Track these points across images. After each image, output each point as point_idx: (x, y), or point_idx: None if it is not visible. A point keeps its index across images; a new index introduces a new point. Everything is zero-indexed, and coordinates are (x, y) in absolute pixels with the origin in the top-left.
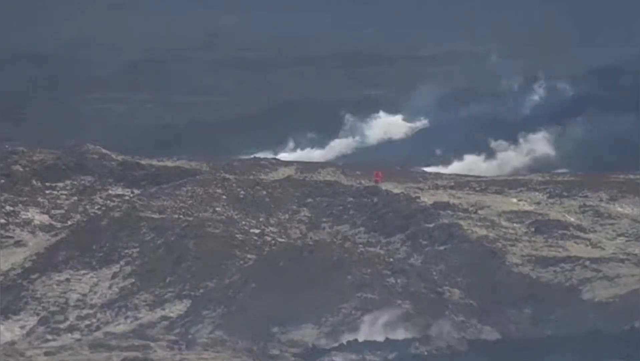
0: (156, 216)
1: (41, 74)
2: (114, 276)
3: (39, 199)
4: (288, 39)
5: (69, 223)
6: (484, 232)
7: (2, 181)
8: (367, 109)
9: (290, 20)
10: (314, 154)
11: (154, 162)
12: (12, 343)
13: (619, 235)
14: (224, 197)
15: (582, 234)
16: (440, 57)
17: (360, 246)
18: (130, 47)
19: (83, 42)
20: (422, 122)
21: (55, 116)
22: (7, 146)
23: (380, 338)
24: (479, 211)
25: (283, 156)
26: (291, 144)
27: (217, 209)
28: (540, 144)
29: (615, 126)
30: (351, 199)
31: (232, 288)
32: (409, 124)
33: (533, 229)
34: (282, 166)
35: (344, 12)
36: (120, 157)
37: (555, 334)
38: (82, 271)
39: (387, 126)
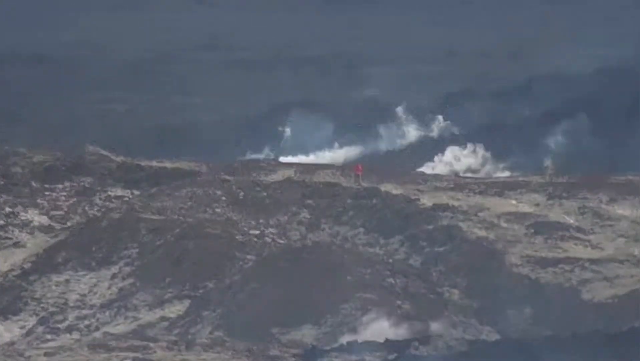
0: (155, 217)
1: (41, 74)
2: (114, 276)
3: (38, 200)
4: (288, 39)
5: (68, 224)
6: (483, 233)
7: (2, 182)
8: (367, 109)
9: (290, 20)
10: (314, 155)
11: (154, 163)
12: (12, 343)
13: (619, 236)
14: (224, 198)
15: (581, 236)
16: (440, 57)
17: (360, 247)
18: (130, 47)
19: (83, 42)
20: (422, 123)
21: (55, 116)
22: (6, 147)
23: (379, 338)
24: (479, 213)
25: (283, 157)
26: (291, 145)
27: (216, 210)
28: (539, 144)
29: (615, 126)
30: (350, 200)
31: (231, 288)
32: (408, 125)
33: (532, 230)
34: (282, 167)
35: (344, 12)
36: (119, 159)
37: (555, 334)
38: (82, 272)
39: (387, 126)
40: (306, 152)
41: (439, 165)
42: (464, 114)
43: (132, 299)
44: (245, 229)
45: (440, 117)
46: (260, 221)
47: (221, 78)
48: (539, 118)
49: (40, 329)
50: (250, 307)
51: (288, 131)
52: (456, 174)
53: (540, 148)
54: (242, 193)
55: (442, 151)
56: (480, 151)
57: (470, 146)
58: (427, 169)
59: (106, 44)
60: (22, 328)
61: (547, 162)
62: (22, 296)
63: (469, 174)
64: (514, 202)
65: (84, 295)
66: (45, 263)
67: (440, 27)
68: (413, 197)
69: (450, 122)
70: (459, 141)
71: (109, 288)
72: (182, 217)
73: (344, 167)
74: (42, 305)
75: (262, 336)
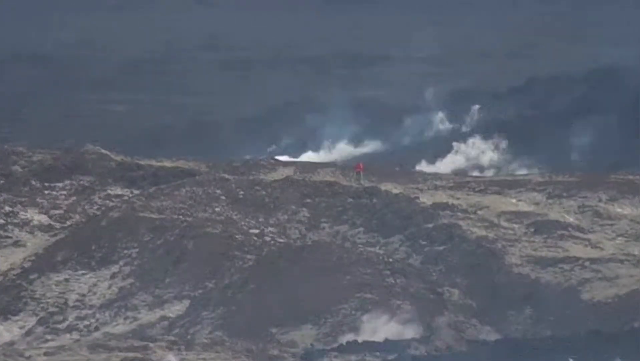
0: (155, 216)
1: (41, 74)
2: (113, 276)
3: (38, 199)
4: (288, 39)
5: (68, 223)
6: (483, 232)
7: (2, 181)
8: (366, 109)
9: (290, 20)
10: (313, 155)
11: (153, 162)
12: (11, 343)
13: (618, 235)
14: (223, 197)
15: (581, 235)
16: (440, 57)
17: (360, 246)
18: (130, 47)
19: (83, 42)
20: (422, 123)
21: (55, 116)
22: (6, 146)
23: (379, 338)
24: (478, 212)
25: (282, 156)
26: (290, 145)
27: (216, 209)
28: (539, 144)
29: (614, 126)
30: (350, 199)
31: (231, 288)
32: (408, 125)
33: (532, 229)
34: (281, 166)
35: (344, 12)
36: (119, 158)
37: (555, 334)
38: (81, 272)
39: (387, 126)
40: (304, 151)
41: (456, 157)
42: (463, 113)
43: (132, 299)
44: (245, 228)
45: (440, 117)
46: (260, 220)
47: (221, 78)
48: (542, 118)
49: (40, 329)
50: (249, 307)
51: (288, 130)
52: (479, 168)
53: (546, 147)
54: (241, 192)
55: (443, 150)
56: (480, 150)
57: (476, 143)
58: (442, 165)
59: (106, 44)
60: (22, 328)
61: (575, 156)
62: (21, 296)
63: (476, 173)
64: (513, 201)
65: (84, 295)
66: (45, 262)
67: (440, 27)
68: (413, 196)
69: (450, 121)
70: (460, 140)
71: (108, 287)
72: (182, 216)
73: (344, 166)
74: (41, 305)
75: (262, 336)
